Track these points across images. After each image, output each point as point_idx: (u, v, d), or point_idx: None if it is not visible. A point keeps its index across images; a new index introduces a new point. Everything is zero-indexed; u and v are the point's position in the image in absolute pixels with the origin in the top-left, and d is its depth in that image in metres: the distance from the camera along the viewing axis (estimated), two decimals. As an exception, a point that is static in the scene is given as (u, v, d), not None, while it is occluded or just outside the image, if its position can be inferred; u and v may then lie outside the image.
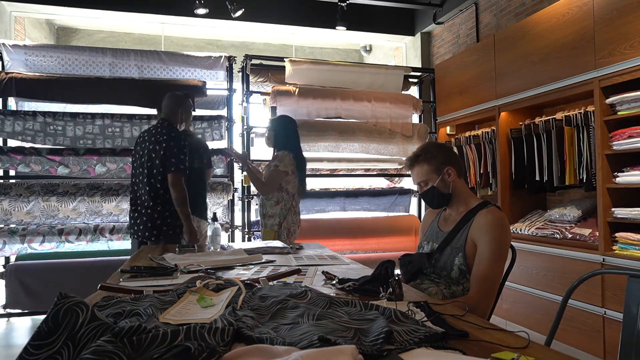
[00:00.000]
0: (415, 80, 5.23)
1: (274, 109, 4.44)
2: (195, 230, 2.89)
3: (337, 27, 4.95)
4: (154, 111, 4.11)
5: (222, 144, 4.33)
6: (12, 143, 4.04)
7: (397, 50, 6.28)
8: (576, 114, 3.24)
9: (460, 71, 4.39)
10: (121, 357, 0.70)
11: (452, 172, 1.84)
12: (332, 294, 1.23)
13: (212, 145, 4.25)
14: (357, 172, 4.90)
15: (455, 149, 4.59)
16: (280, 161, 3.09)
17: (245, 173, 3.84)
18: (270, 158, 3.34)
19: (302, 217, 4.56)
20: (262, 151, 4.26)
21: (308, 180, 3.36)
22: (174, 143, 2.79)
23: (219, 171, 4.23)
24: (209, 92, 4.31)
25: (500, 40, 3.81)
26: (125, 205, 3.82)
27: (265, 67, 4.64)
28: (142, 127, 3.96)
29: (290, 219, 3.15)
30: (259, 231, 3.93)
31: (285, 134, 3.23)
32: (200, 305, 1.10)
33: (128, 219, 3.05)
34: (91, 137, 3.80)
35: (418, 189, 1.94)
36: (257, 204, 3.42)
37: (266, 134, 3.27)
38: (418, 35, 5.58)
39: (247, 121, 4.39)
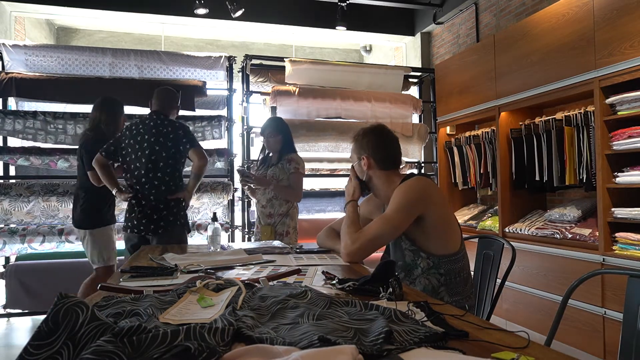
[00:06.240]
0: (415, 80, 5.23)
1: (274, 109, 4.44)
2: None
3: (337, 27, 4.95)
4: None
5: (222, 144, 4.33)
6: (13, 142, 4.04)
7: (397, 50, 6.28)
8: (576, 114, 3.24)
9: (460, 71, 4.38)
10: (121, 357, 0.69)
11: (367, 161, 1.83)
12: (332, 294, 1.22)
13: (212, 144, 4.26)
14: (357, 172, 4.89)
15: (455, 149, 4.59)
16: (298, 163, 3.08)
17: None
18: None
19: (302, 217, 4.59)
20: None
21: (308, 180, 3.36)
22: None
23: (219, 165, 4.22)
24: (209, 92, 4.31)
25: (500, 40, 3.81)
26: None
27: (265, 67, 4.64)
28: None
29: (297, 217, 3.20)
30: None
31: (290, 137, 3.18)
32: (200, 305, 1.10)
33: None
34: (91, 136, 3.81)
35: None
36: (257, 202, 3.27)
37: (270, 138, 3.10)
38: (418, 35, 5.58)
39: (247, 121, 4.39)
